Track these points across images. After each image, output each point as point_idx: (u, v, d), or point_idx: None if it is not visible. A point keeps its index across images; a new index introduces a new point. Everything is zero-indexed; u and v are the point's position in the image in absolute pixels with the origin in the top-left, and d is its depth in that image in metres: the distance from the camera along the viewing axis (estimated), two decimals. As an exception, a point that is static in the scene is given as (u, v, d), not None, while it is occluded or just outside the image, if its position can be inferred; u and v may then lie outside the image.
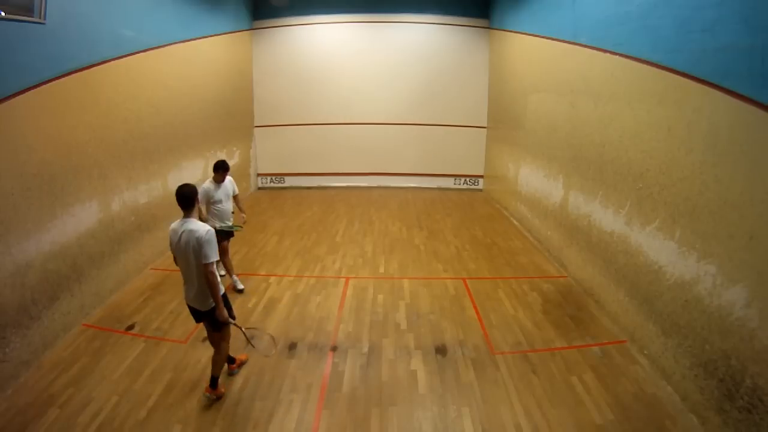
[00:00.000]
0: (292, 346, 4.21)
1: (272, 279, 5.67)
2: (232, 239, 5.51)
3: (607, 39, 4.74)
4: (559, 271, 5.92)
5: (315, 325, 4.59)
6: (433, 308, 4.93)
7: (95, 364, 3.87)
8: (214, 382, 3.44)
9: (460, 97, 10.33)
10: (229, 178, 5.13)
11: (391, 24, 10.15)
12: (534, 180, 7.17)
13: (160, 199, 6.14)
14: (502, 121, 9.23)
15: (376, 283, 5.54)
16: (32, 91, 3.95)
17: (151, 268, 5.82)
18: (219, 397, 3.46)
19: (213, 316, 3.32)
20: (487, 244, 6.99)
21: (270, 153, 10.71)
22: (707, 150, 3.23)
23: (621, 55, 4.45)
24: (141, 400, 3.43)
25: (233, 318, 3.43)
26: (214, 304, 3.27)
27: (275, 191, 10.60)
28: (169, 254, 3.60)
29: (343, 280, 5.65)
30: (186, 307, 3.47)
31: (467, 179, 10.76)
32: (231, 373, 3.76)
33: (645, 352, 3.94)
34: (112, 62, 5.15)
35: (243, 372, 3.81)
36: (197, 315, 3.42)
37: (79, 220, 4.60)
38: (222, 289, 3.31)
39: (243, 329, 3.52)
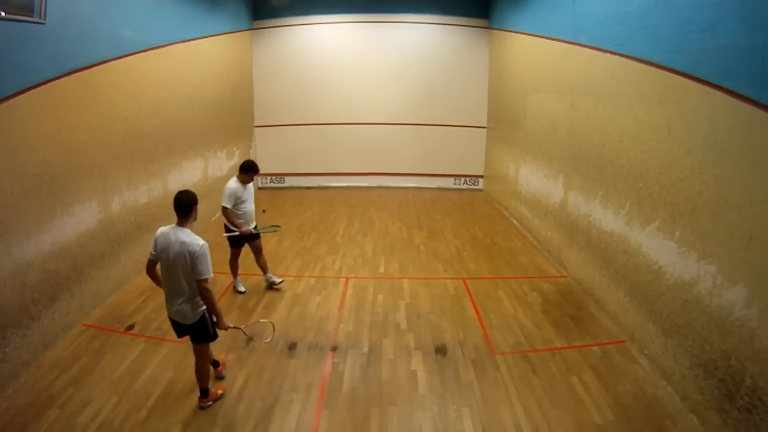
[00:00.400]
0: (292, 346, 4.21)
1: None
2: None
3: (607, 39, 4.74)
4: (559, 271, 5.92)
5: (315, 325, 4.59)
6: (433, 308, 4.93)
7: (95, 364, 3.87)
8: (205, 393, 3.38)
9: (460, 97, 10.33)
10: None
11: (391, 24, 10.15)
12: (534, 180, 7.17)
13: (160, 199, 6.13)
14: (502, 121, 9.23)
15: (376, 283, 5.54)
16: (32, 91, 3.95)
17: (151, 268, 5.82)
18: (219, 398, 3.46)
19: (198, 329, 3.23)
20: (487, 244, 6.99)
21: (270, 153, 10.70)
22: (707, 150, 3.23)
23: (621, 55, 4.45)
24: (141, 400, 3.43)
25: (225, 328, 3.29)
26: (199, 317, 3.18)
27: (275, 191, 10.60)
28: None
29: (343, 280, 5.65)
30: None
31: (467, 179, 10.76)
32: (220, 376, 3.70)
33: (645, 352, 3.94)
34: (112, 62, 5.15)
35: (243, 372, 3.81)
36: (180, 329, 3.28)
37: (79, 220, 4.60)
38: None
39: (243, 328, 3.49)
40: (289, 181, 10.82)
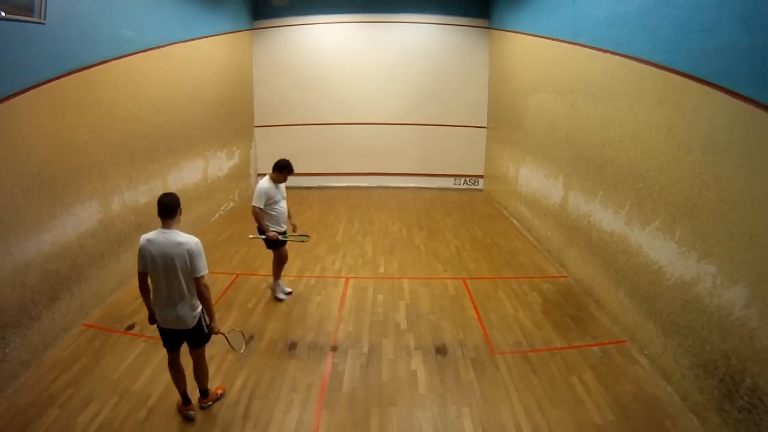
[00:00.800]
0: (292, 346, 4.21)
1: (272, 279, 5.65)
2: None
3: (607, 39, 4.74)
4: (559, 271, 5.92)
5: (315, 325, 4.59)
6: (433, 308, 4.93)
7: (95, 364, 3.87)
8: (205, 393, 3.38)
9: (460, 97, 10.33)
10: None
11: (391, 24, 10.15)
12: (534, 180, 7.17)
13: (160, 199, 6.13)
14: (502, 121, 9.23)
15: (376, 283, 5.54)
16: (32, 91, 3.95)
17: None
18: (219, 398, 3.46)
19: (197, 333, 3.17)
20: (487, 244, 6.99)
21: (270, 153, 10.59)
22: (707, 150, 3.23)
23: (621, 55, 4.45)
24: (141, 400, 3.43)
25: (217, 331, 3.24)
26: (197, 320, 3.13)
27: (275, 191, 10.59)
28: None
29: (343, 280, 5.65)
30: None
31: (467, 179, 10.76)
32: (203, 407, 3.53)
33: (645, 352, 3.94)
34: (112, 62, 5.15)
35: (243, 372, 3.81)
36: (176, 338, 3.17)
37: (79, 220, 4.60)
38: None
39: (226, 335, 3.35)
40: (289, 181, 10.76)
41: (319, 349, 4.18)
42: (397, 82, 10.29)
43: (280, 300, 5.06)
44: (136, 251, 3.02)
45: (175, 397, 3.40)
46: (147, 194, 5.86)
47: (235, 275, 5.74)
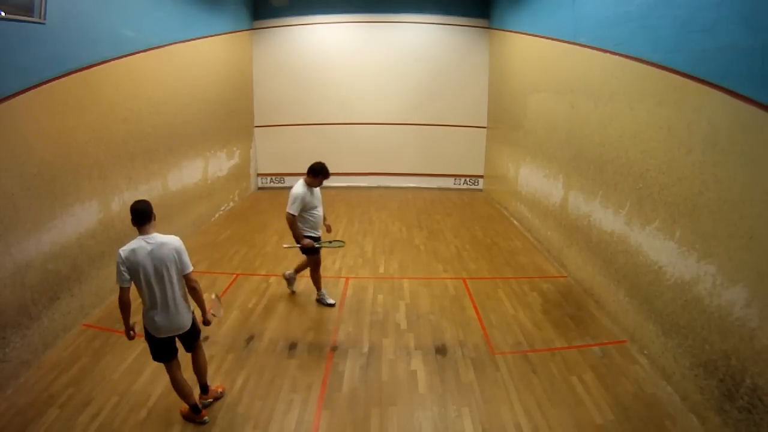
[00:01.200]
0: (292, 346, 4.21)
1: (272, 279, 5.66)
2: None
3: (607, 39, 4.74)
4: (559, 271, 5.92)
5: (315, 325, 4.59)
6: (433, 308, 4.93)
7: (95, 364, 3.87)
8: (205, 389, 3.40)
9: (460, 97, 10.32)
10: None
11: (391, 24, 10.14)
12: (534, 180, 7.17)
13: (160, 199, 6.13)
14: (502, 121, 9.23)
15: (376, 283, 5.54)
16: (32, 91, 3.95)
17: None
18: (219, 396, 3.46)
19: (193, 330, 3.20)
20: (487, 244, 6.99)
21: (270, 153, 10.71)
22: (707, 150, 3.23)
23: (621, 55, 4.45)
24: (141, 400, 3.43)
25: (208, 323, 3.27)
26: (192, 317, 3.16)
27: (275, 191, 10.60)
28: None
29: (343, 280, 5.65)
30: None
31: (467, 179, 10.76)
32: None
33: (645, 352, 3.94)
34: (112, 62, 5.15)
35: (243, 372, 3.81)
36: (172, 343, 3.12)
37: (79, 220, 4.60)
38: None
39: (211, 311, 3.35)
40: (289, 181, 10.79)
41: (319, 349, 4.18)
42: (397, 82, 10.29)
43: (332, 305, 4.94)
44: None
45: (174, 396, 3.39)
46: (147, 194, 5.85)
47: (235, 275, 5.74)
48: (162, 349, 3.10)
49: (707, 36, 3.22)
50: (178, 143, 6.85)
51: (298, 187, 4.56)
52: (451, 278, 5.72)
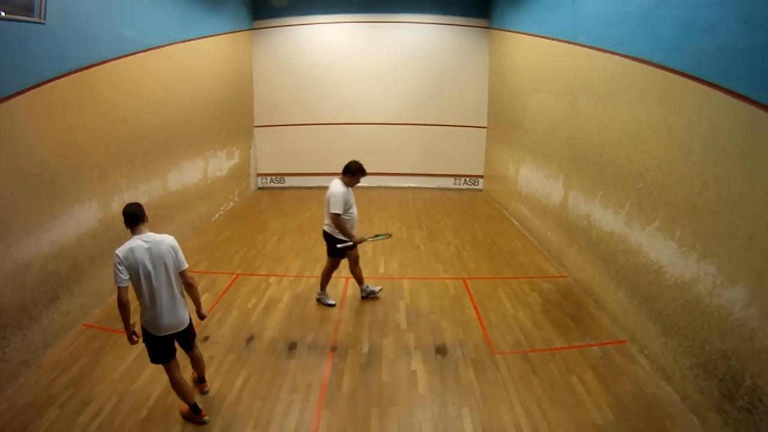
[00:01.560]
0: (292, 346, 4.21)
1: (272, 279, 5.67)
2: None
3: (607, 39, 4.74)
4: (559, 271, 5.92)
5: (315, 325, 4.59)
6: (433, 308, 4.93)
7: (95, 364, 3.87)
8: (203, 378, 3.55)
9: (460, 97, 10.32)
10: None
11: (391, 24, 10.14)
12: (534, 180, 7.17)
13: (160, 199, 6.14)
14: (502, 121, 9.23)
15: (376, 283, 5.54)
16: (32, 91, 3.95)
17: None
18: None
19: (190, 329, 3.24)
20: (487, 244, 6.99)
21: (270, 153, 10.71)
22: (707, 150, 3.23)
23: (621, 55, 4.45)
24: (141, 400, 3.43)
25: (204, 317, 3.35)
26: (189, 317, 3.20)
27: (275, 191, 10.61)
28: None
29: (343, 280, 5.65)
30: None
31: (467, 179, 10.76)
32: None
33: (645, 352, 3.94)
34: (112, 62, 5.15)
35: (243, 372, 3.81)
36: (172, 341, 3.14)
37: (79, 220, 4.60)
38: None
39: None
40: (289, 181, 10.82)
41: (319, 349, 4.18)
42: (397, 82, 10.29)
43: (377, 296, 5.01)
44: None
45: (174, 395, 3.39)
46: (147, 194, 5.86)
47: (235, 275, 5.74)
48: (162, 349, 3.11)
49: (707, 36, 3.22)
50: (178, 143, 6.85)
51: (339, 186, 4.54)
52: (451, 278, 5.72)
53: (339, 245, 4.65)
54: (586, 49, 5.26)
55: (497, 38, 9.45)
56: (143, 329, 3.08)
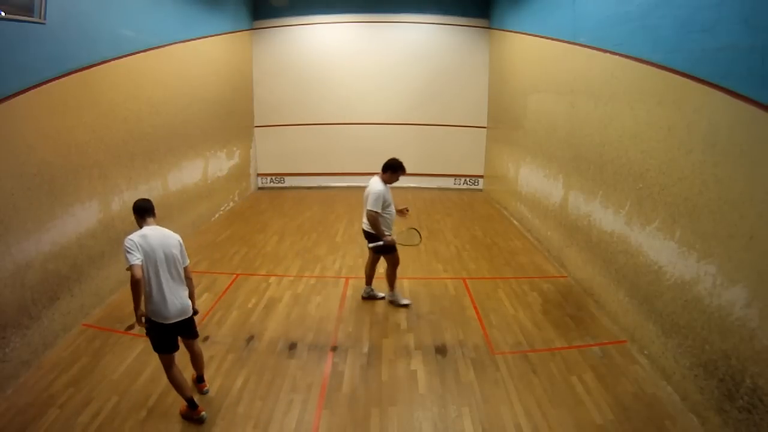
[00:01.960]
0: (292, 346, 4.21)
1: (272, 279, 5.67)
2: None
3: (607, 39, 4.74)
4: (559, 271, 5.92)
5: (315, 325, 4.59)
6: (433, 308, 4.93)
7: (95, 364, 3.87)
8: (202, 378, 3.56)
9: (460, 97, 10.32)
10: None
11: (391, 24, 10.14)
12: (534, 180, 7.17)
13: (160, 198, 6.13)
14: (502, 121, 9.23)
15: (376, 283, 5.53)
16: (32, 91, 3.95)
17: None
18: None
19: (192, 319, 3.30)
20: (487, 244, 6.99)
21: (270, 153, 10.71)
22: (707, 150, 3.23)
23: (621, 55, 4.45)
24: (141, 400, 3.43)
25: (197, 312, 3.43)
26: (192, 307, 3.28)
27: (275, 191, 10.60)
28: None
29: (343, 280, 5.65)
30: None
31: (467, 179, 10.76)
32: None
33: (645, 352, 3.94)
34: (112, 62, 5.15)
35: (243, 372, 3.81)
36: (175, 331, 3.17)
37: (79, 220, 4.60)
38: None
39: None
40: (289, 181, 10.82)
41: (319, 349, 4.18)
42: (397, 82, 10.29)
43: (407, 305, 4.90)
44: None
45: (174, 395, 3.40)
46: (147, 194, 5.85)
47: (235, 275, 5.74)
48: (168, 337, 3.14)
49: (707, 36, 3.22)
50: (178, 143, 6.85)
51: (378, 184, 4.52)
52: (451, 278, 5.72)
53: (370, 245, 4.64)
54: (586, 49, 5.26)
55: (497, 38, 9.45)
56: (148, 320, 3.10)
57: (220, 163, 8.67)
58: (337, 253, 6.53)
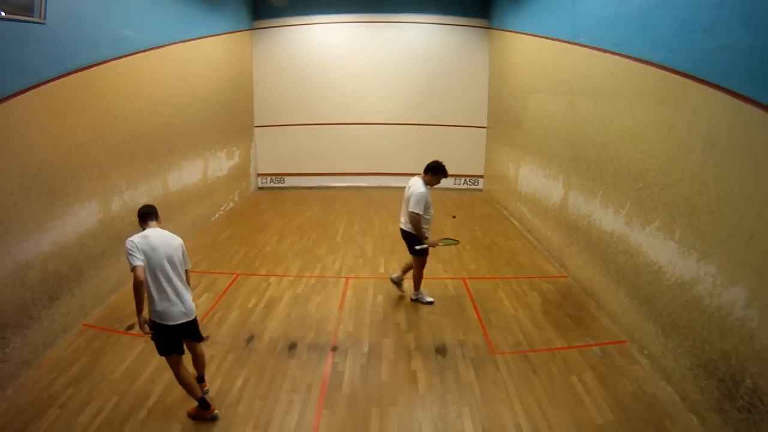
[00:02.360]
0: (292, 346, 4.20)
1: (272, 279, 5.66)
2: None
3: (607, 39, 4.74)
4: (559, 271, 5.92)
5: (315, 325, 4.59)
6: (433, 308, 4.92)
7: (95, 364, 3.87)
8: (202, 379, 3.54)
9: (460, 97, 10.32)
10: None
11: (391, 24, 10.14)
12: (534, 180, 7.17)
13: (160, 198, 6.13)
14: (502, 121, 9.23)
15: (376, 283, 5.54)
16: (32, 91, 3.95)
17: (151, 268, 5.82)
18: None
19: (196, 321, 3.30)
20: (487, 244, 6.99)
21: (270, 153, 10.71)
22: (707, 150, 3.23)
23: (621, 55, 4.45)
24: (141, 400, 3.43)
25: None
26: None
27: (275, 191, 10.60)
28: None
29: (343, 280, 5.65)
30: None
31: (467, 179, 10.76)
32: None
33: (645, 352, 3.94)
34: (112, 62, 5.15)
35: (243, 372, 3.81)
36: (180, 333, 3.14)
37: (79, 220, 4.60)
38: None
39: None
40: (289, 181, 10.82)
41: (319, 349, 4.18)
42: (397, 82, 10.29)
43: (431, 302, 4.93)
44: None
45: (175, 395, 3.40)
46: (147, 194, 5.86)
47: (235, 275, 5.74)
48: (173, 339, 3.12)
49: (707, 36, 3.22)
50: (178, 143, 6.85)
51: (420, 186, 4.55)
52: (451, 278, 5.72)
53: (417, 247, 4.62)
54: (586, 49, 5.26)
55: (497, 38, 9.45)
56: (152, 322, 3.08)
57: (220, 163, 8.67)
58: (337, 253, 6.53)
